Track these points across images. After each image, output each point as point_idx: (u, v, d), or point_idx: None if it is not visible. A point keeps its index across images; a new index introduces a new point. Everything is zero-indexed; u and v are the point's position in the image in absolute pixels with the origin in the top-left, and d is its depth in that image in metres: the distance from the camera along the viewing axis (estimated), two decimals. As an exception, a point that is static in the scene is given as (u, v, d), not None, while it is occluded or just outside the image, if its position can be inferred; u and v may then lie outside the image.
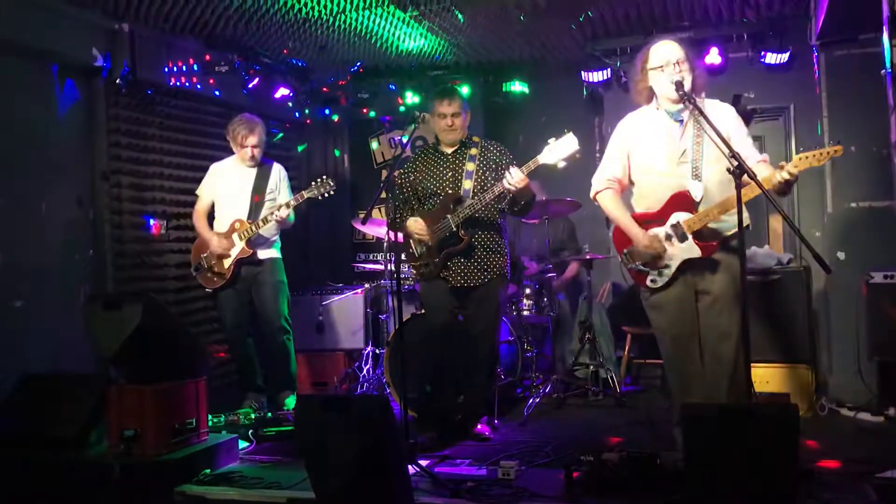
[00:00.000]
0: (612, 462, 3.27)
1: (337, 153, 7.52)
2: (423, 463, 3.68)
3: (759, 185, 3.15)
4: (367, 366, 5.87)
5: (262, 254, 5.17)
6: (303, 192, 5.04)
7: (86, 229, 5.08)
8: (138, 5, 4.91)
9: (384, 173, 7.17)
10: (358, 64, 6.51)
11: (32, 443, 3.76)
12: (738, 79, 5.73)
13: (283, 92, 6.36)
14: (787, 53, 5.53)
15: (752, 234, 4.64)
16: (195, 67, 5.67)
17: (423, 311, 4.82)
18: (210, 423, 4.22)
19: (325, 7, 5.13)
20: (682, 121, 3.67)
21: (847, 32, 5.09)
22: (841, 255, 5.22)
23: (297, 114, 7.10)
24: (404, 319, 4.63)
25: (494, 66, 6.61)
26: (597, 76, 6.04)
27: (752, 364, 3.17)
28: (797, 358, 4.82)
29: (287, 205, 5.05)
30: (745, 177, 3.12)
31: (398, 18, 5.40)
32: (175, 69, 5.51)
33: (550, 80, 6.65)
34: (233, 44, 5.77)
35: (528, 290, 5.44)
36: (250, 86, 5.97)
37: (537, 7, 5.22)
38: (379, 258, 6.65)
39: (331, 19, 5.36)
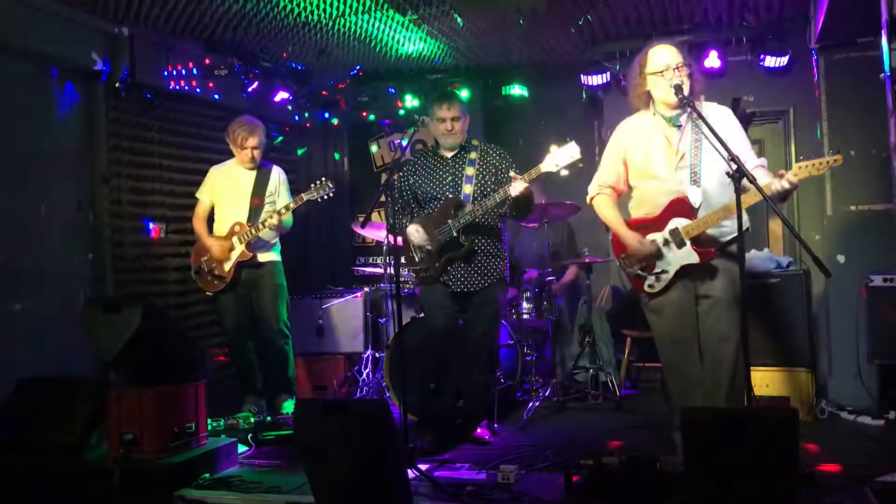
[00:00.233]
0: (612, 466, 3.27)
1: (336, 156, 7.52)
2: (423, 467, 3.67)
3: (759, 189, 3.14)
4: (367, 369, 5.86)
5: (262, 257, 5.17)
6: (302, 194, 5.05)
7: (85, 232, 5.08)
8: (138, 9, 4.91)
9: (384, 177, 7.17)
10: (357, 67, 6.52)
11: (31, 447, 3.75)
12: (737, 82, 5.74)
13: (282, 95, 6.37)
14: (787, 57, 5.54)
15: (752, 237, 4.65)
16: (195, 71, 5.67)
17: (422, 314, 4.82)
18: (209, 427, 4.22)
19: (325, 11, 5.13)
20: (680, 125, 3.67)
21: (846, 36, 5.09)
22: (840, 259, 5.22)
23: (296, 117, 7.10)
24: (404, 323, 4.64)
25: (494, 70, 6.61)
26: (596, 80, 6.04)
27: (751, 367, 3.17)
28: (797, 361, 4.81)
29: (287, 208, 5.06)
30: (745, 182, 3.12)
31: (397, 22, 5.41)
32: (175, 73, 5.52)
33: (550, 83, 6.65)
34: (232, 47, 5.77)
35: (527, 294, 5.44)
36: (250, 89, 5.98)
37: (537, 11, 5.23)
38: (378, 262, 6.65)
39: (330, 23, 5.37)
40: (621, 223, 3.78)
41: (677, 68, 3.58)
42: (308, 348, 6.07)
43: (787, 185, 3.31)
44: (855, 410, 4.80)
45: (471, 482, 3.55)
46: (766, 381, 4.82)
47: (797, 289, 4.87)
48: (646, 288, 3.72)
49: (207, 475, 3.73)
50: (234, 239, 5.07)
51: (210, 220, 5.26)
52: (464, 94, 6.32)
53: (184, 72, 5.59)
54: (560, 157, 3.94)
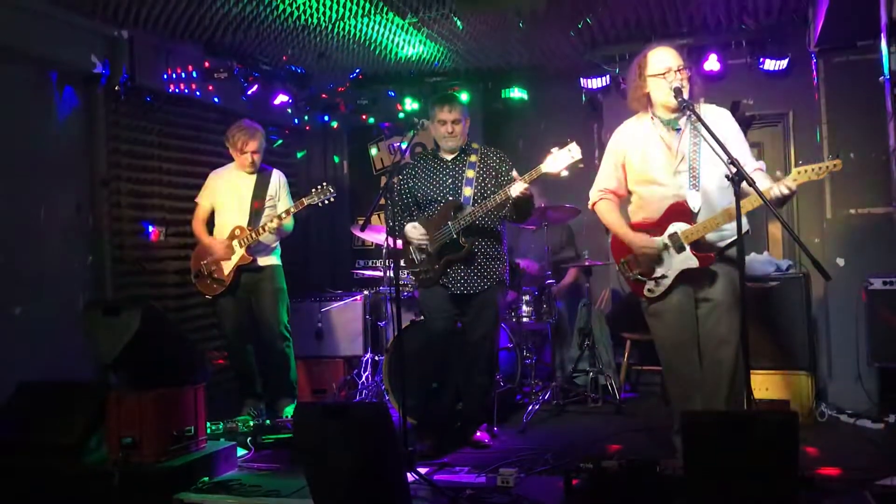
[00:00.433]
0: (612, 469, 3.26)
1: (336, 160, 7.52)
2: (422, 471, 3.67)
3: (758, 192, 3.14)
4: (367, 373, 5.86)
5: (263, 260, 5.17)
6: (303, 198, 5.05)
7: (85, 236, 5.08)
8: (138, 12, 4.92)
9: (383, 180, 7.17)
10: (357, 70, 6.52)
11: (31, 450, 3.74)
12: (736, 85, 5.75)
13: (282, 98, 6.37)
14: (786, 60, 5.54)
15: (752, 240, 4.64)
16: (194, 74, 5.68)
17: (422, 317, 4.82)
18: (209, 431, 4.22)
19: (325, 14, 5.14)
20: (679, 129, 3.66)
21: (846, 39, 5.10)
22: (840, 262, 5.22)
23: (296, 120, 7.10)
24: (403, 326, 4.63)
25: (493, 73, 6.62)
26: (596, 83, 6.05)
27: (751, 370, 3.16)
28: (797, 364, 4.81)
29: (287, 212, 5.06)
30: (745, 185, 3.12)
31: (397, 25, 5.41)
32: (174, 76, 5.52)
33: (549, 86, 6.65)
34: (232, 50, 5.78)
35: (527, 297, 5.44)
36: (249, 92, 5.98)
37: (536, 14, 5.23)
38: (378, 265, 6.64)
39: (330, 26, 5.37)
40: (626, 228, 3.75)
41: (678, 70, 3.57)
42: (307, 352, 6.06)
43: (786, 191, 3.30)
44: (855, 413, 4.80)
45: (470, 486, 3.55)
46: (765, 384, 4.82)
47: (797, 292, 4.87)
48: (645, 292, 3.71)
49: (206, 479, 3.72)
50: (235, 243, 5.07)
51: (210, 224, 5.26)
52: (463, 97, 6.30)
53: (183, 75, 5.59)
54: (560, 157, 3.94)
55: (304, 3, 4.94)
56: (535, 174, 3.99)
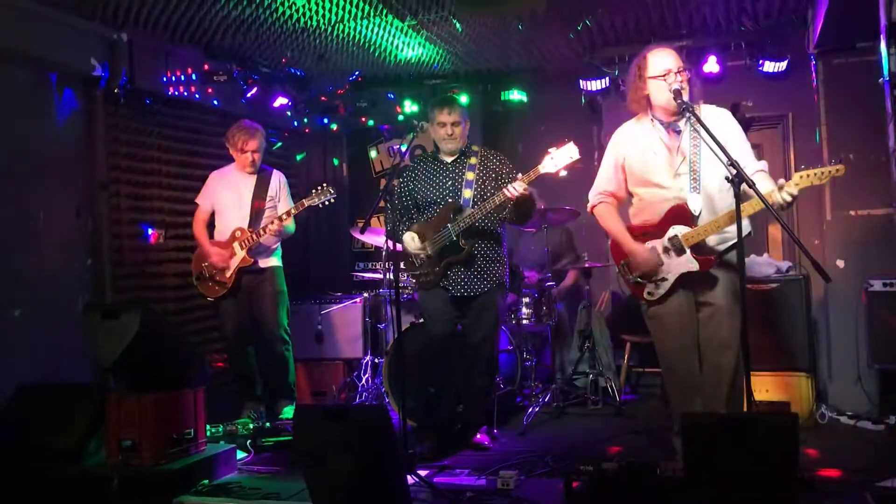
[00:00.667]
0: (612, 471, 3.26)
1: (336, 162, 7.52)
2: (422, 473, 3.66)
3: (758, 194, 3.13)
4: (366, 375, 5.85)
5: (263, 262, 5.17)
6: (304, 200, 5.05)
7: (84, 238, 5.07)
8: (137, 15, 4.92)
9: (383, 182, 7.17)
10: (356, 73, 6.53)
11: (30, 453, 3.73)
12: (736, 87, 5.75)
13: (281, 101, 6.37)
14: (786, 62, 5.55)
15: (752, 242, 4.64)
16: (194, 77, 5.68)
17: (422, 320, 4.81)
18: (208, 433, 4.21)
19: (324, 17, 5.14)
20: (679, 131, 3.65)
21: (845, 41, 5.11)
22: (840, 264, 5.22)
23: (295, 123, 7.11)
24: (403, 328, 4.63)
25: (493, 75, 6.63)
26: (595, 85, 6.05)
27: (751, 372, 3.16)
28: (797, 366, 4.81)
29: (288, 213, 5.06)
30: (745, 186, 3.11)
31: (396, 28, 5.41)
32: (174, 78, 5.52)
33: (549, 88, 6.65)
34: (231, 53, 5.78)
35: (527, 299, 5.44)
36: (249, 95, 5.98)
37: (536, 16, 5.23)
38: (378, 267, 6.64)
39: (329, 29, 5.37)
40: (625, 234, 3.73)
41: (678, 72, 3.56)
42: (307, 354, 6.06)
43: (788, 199, 3.27)
44: (855, 415, 4.80)
45: (470, 488, 3.55)
46: (765, 385, 4.82)
47: (797, 294, 4.88)
48: (645, 295, 3.70)
49: (206, 481, 3.72)
50: (236, 244, 5.07)
51: (210, 225, 5.26)
52: (463, 99, 6.32)
53: (183, 77, 5.60)
54: (559, 157, 3.94)
55: (303, 6, 4.94)
56: (533, 175, 3.99)
